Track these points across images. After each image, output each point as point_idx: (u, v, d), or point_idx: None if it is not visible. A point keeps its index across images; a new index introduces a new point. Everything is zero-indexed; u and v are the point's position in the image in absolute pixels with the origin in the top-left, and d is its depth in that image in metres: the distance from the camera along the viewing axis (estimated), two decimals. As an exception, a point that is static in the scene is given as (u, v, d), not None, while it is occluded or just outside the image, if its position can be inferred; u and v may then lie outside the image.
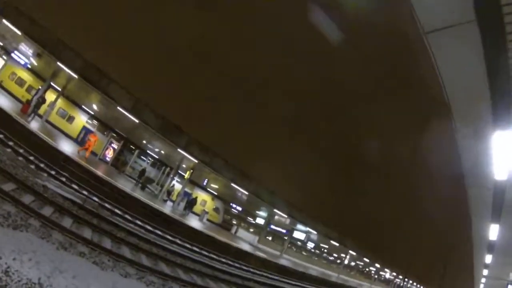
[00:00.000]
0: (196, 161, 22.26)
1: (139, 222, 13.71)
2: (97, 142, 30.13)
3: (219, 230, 27.66)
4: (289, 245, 38.01)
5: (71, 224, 8.40)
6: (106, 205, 13.21)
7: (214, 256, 15.67)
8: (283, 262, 25.58)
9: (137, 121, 20.59)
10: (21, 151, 12.80)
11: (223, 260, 16.04)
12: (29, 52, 22.54)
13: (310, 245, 43.59)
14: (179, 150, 21.75)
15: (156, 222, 15.40)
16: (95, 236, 8.66)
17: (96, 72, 20.27)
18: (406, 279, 64.77)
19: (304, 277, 24.90)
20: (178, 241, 14.61)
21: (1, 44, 27.89)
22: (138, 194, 18.55)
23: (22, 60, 25.26)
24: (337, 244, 34.31)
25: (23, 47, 22.60)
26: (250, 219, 44.66)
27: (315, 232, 31.18)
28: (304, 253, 53.79)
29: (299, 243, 46.64)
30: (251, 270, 17.24)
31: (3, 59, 26.64)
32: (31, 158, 12.85)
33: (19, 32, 18.99)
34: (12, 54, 24.84)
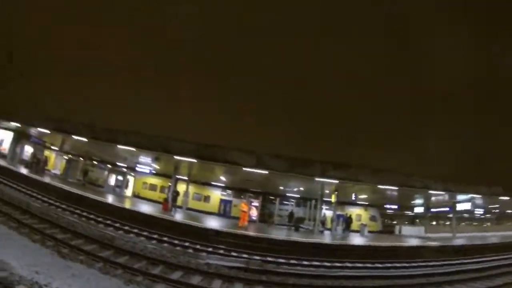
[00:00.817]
0: (336, 181, 21.58)
1: (305, 262, 13.44)
2: (239, 207, 31.95)
3: (382, 237, 26.60)
4: (457, 221, 33.23)
5: (243, 288, 8.36)
6: (269, 258, 13.25)
7: (389, 265, 14.57)
8: (457, 242, 23.00)
9: (265, 172, 21.05)
10: (175, 242, 13.81)
11: (397, 265, 14.75)
12: (148, 160, 25.46)
13: (479, 212, 37.14)
14: (316, 179, 21.44)
15: (321, 255, 14.91)
16: None
17: (211, 148, 21.63)
18: None
19: (485, 249, 20.77)
20: (348, 264, 13.98)
21: (126, 165, 32.76)
22: (295, 237, 18.49)
23: (146, 168, 28.69)
24: (507, 198, 28.49)
25: (142, 159, 25.72)
26: (408, 212, 41.35)
27: (479, 196, 26.75)
28: (475, 223, 46.81)
29: (465, 215, 40.72)
30: (430, 264, 15.41)
31: (132, 175, 30.91)
32: (186, 244, 13.77)
33: (133, 149, 21.86)
34: (137, 168, 28.49)
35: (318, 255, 14.96)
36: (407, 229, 34.20)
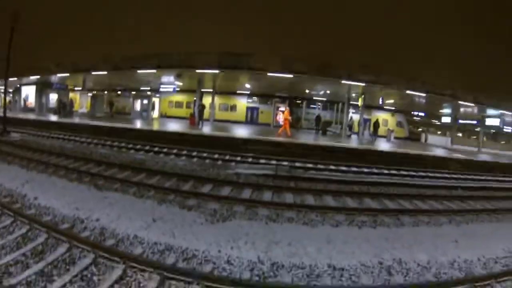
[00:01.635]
0: (363, 84, 21.09)
1: (332, 167, 13.66)
2: (266, 114, 32.29)
3: (408, 144, 26.39)
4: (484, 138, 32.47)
5: (272, 196, 8.72)
6: (297, 164, 13.54)
7: (414, 173, 14.41)
8: (482, 157, 22.34)
9: (290, 76, 20.68)
10: (204, 155, 14.37)
11: (422, 174, 14.52)
12: (170, 79, 25.42)
13: (507, 129, 35.06)
14: (342, 81, 20.98)
15: (348, 160, 15.05)
16: (297, 198, 8.78)
17: (234, 57, 21.13)
18: None
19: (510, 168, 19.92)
20: (375, 170, 13.98)
21: (149, 88, 33.13)
22: (322, 141, 18.70)
23: (169, 87, 28.89)
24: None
25: (164, 78, 25.69)
26: (436, 121, 40.44)
27: (510, 113, 25.33)
28: (502, 142, 44.89)
29: (493, 131, 39.04)
30: (454, 176, 15.01)
31: (157, 97, 31.38)
32: (215, 156, 14.26)
33: (154, 70, 21.81)
34: (160, 89, 28.76)
35: (346, 160, 15.08)
36: (433, 138, 34.36)
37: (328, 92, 27.80)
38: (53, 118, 25.56)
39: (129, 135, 18.11)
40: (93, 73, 24.74)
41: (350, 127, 27.78)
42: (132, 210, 6.87)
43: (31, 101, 33.74)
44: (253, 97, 34.27)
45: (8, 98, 27.23)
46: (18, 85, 34.42)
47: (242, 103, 34.33)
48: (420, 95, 22.79)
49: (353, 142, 21.09)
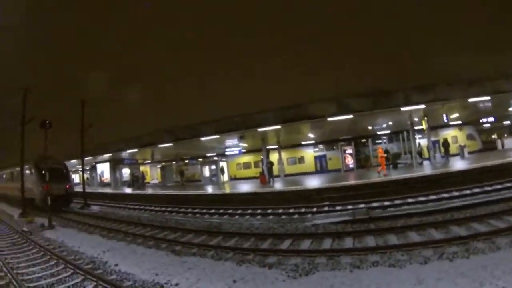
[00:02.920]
0: (422, 106, 20.18)
1: (410, 200, 13.02)
2: (334, 159, 31.89)
3: (485, 155, 24.07)
4: None
5: (353, 242, 8.33)
6: (374, 204, 13.09)
7: (499, 186, 13.06)
8: None
9: (350, 116, 20.58)
10: (280, 211, 14.31)
11: (509, 184, 13.08)
12: (234, 141, 26.46)
13: None
14: (402, 109, 20.22)
15: (425, 189, 14.30)
16: (379, 240, 8.31)
17: (292, 109, 21.69)
18: None
19: None
20: (455, 193, 12.94)
21: (215, 153, 34.69)
22: (394, 176, 17.88)
23: (234, 150, 29.93)
24: None
25: (228, 142, 26.83)
26: (508, 122, 36.73)
27: None
28: None
29: None
30: None
31: (225, 161, 32.66)
32: (291, 210, 14.15)
33: (216, 136, 23.13)
34: (226, 153, 29.96)
35: (423, 189, 14.36)
36: (510, 142, 31.00)
37: (390, 123, 26.79)
38: (128, 190, 27.56)
39: (202, 201, 18.79)
40: (159, 146, 26.54)
41: (420, 153, 26.26)
42: (212, 273, 6.86)
43: (106, 176, 37.24)
44: (319, 145, 34.26)
45: (85, 175, 30.23)
46: (94, 163, 38.46)
47: (309, 153, 34.44)
48: (484, 99, 20.74)
49: (426, 169, 19.82)
